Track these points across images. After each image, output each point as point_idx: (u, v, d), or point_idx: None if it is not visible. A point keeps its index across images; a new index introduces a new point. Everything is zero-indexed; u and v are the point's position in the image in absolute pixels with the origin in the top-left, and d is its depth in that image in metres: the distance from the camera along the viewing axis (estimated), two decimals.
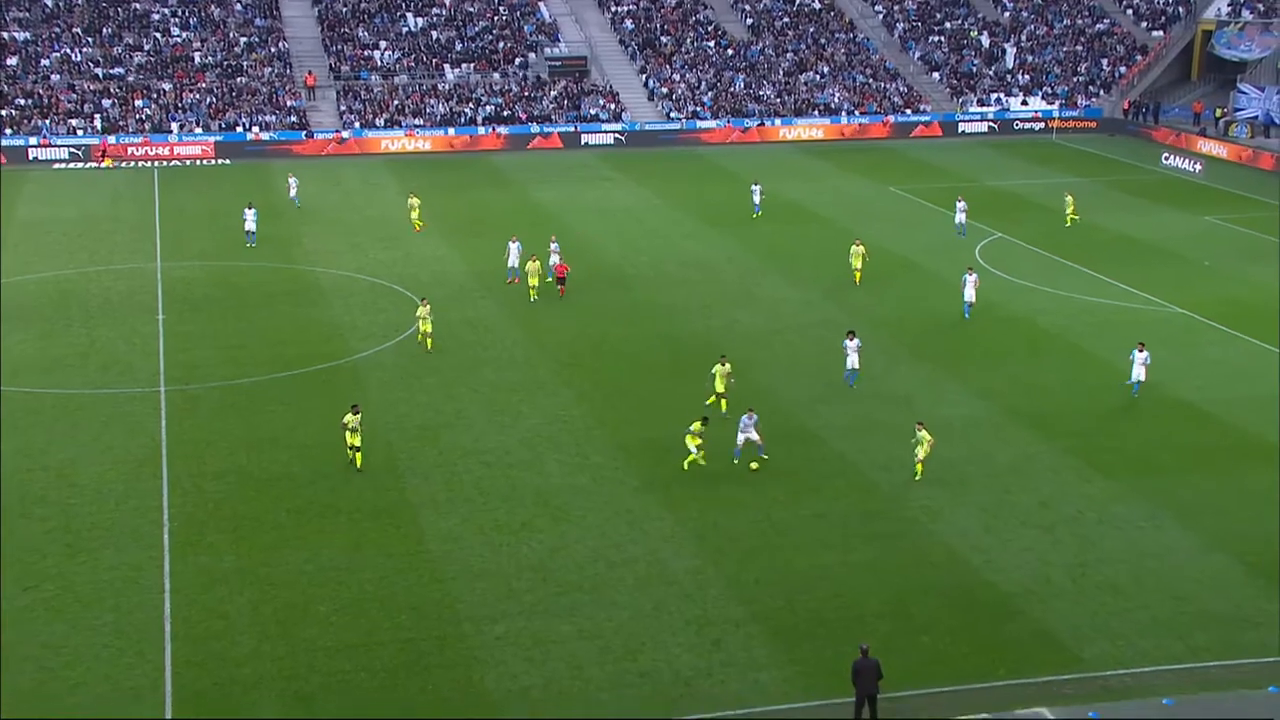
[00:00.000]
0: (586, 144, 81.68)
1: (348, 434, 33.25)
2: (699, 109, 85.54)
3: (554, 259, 49.98)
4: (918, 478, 32.65)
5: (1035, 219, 61.94)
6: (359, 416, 33.51)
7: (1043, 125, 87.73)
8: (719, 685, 24.56)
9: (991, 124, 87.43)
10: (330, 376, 40.44)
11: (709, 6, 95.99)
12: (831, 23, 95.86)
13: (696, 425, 33.40)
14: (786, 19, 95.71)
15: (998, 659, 25.25)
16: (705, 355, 42.40)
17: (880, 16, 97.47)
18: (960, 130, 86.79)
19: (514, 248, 50.33)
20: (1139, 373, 38.01)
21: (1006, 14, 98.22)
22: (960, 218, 57.97)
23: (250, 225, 56.12)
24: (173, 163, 75.86)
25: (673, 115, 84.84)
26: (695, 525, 30.62)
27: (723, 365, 37.51)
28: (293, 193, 63.88)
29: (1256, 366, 41.32)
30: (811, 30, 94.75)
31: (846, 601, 27.32)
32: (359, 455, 33.29)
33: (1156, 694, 24.20)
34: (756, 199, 62.04)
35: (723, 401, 37.20)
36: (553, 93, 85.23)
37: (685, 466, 33.20)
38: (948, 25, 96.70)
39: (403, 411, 37.50)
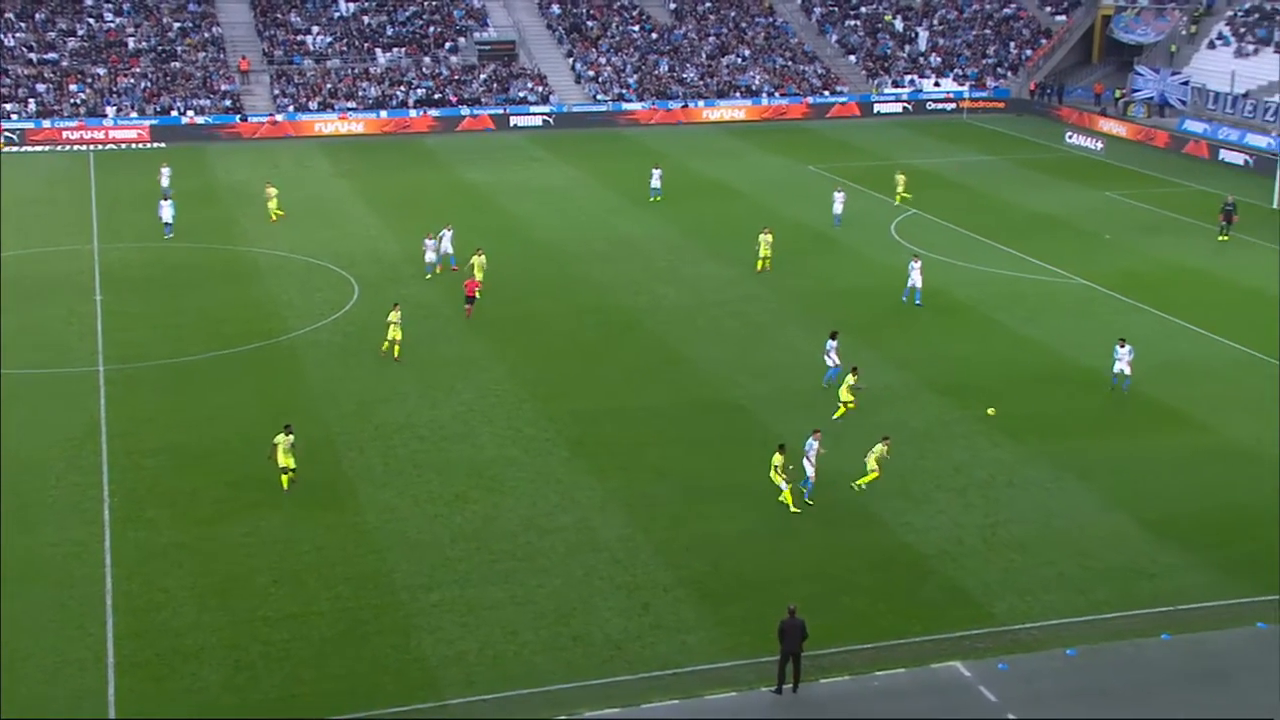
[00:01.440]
0: (516, 126, 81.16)
1: (280, 454, 30.19)
2: (625, 91, 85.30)
3: (448, 245, 48.20)
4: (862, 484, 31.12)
5: (948, 195, 62.48)
6: (291, 437, 30.46)
7: (954, 105, 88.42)
8: (648, 647, 24.66)
9: (905, 104, 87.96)
10: (268, 354, 39.96)
11: None
12: (752, 7, 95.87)
13: (777, 458, 30.00)
14: (708, 4, 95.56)
15: (914, 617, 25.58)
16: (632, 330, 42.48)
17: (799, 2, 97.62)
18: (876, 111, 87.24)
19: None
20: (1122, 367, 36.96)
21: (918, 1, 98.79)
22: (838, 208, 55.82)
23: (166, 216, 53.01)
24: (108, 146, 74.38)
25: (599, 98, 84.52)
26: (624, 494, 30.67)
27: (853, 374, 35.35)
28: (165, 182, 59.87)
29: (1153, 335, 42.05)
30: (733, 15, 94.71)
31: (770, 565, 27.51)
32: (285, 478, 30.29)
33: (1061, 645, 24.65)
34: (656, 183, 61.02)
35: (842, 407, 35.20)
36: (482, 76, 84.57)
37: (806, 501, 30.02)
38: (863, 10, 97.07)
39: (339, 388, 37.16)
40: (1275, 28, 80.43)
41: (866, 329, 42.52)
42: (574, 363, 39.41)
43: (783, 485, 29.63)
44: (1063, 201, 61.40)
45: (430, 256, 48.22)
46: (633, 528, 29.05)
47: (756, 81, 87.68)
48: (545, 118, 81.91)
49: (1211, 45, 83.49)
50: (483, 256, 45.77)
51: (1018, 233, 54.81)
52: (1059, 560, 27.65)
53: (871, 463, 30.83)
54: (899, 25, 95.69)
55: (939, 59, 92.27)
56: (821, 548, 28.17)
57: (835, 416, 34.92)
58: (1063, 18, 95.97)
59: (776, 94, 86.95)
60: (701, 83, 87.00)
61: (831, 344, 37.67)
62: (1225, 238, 52.96)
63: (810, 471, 30.01)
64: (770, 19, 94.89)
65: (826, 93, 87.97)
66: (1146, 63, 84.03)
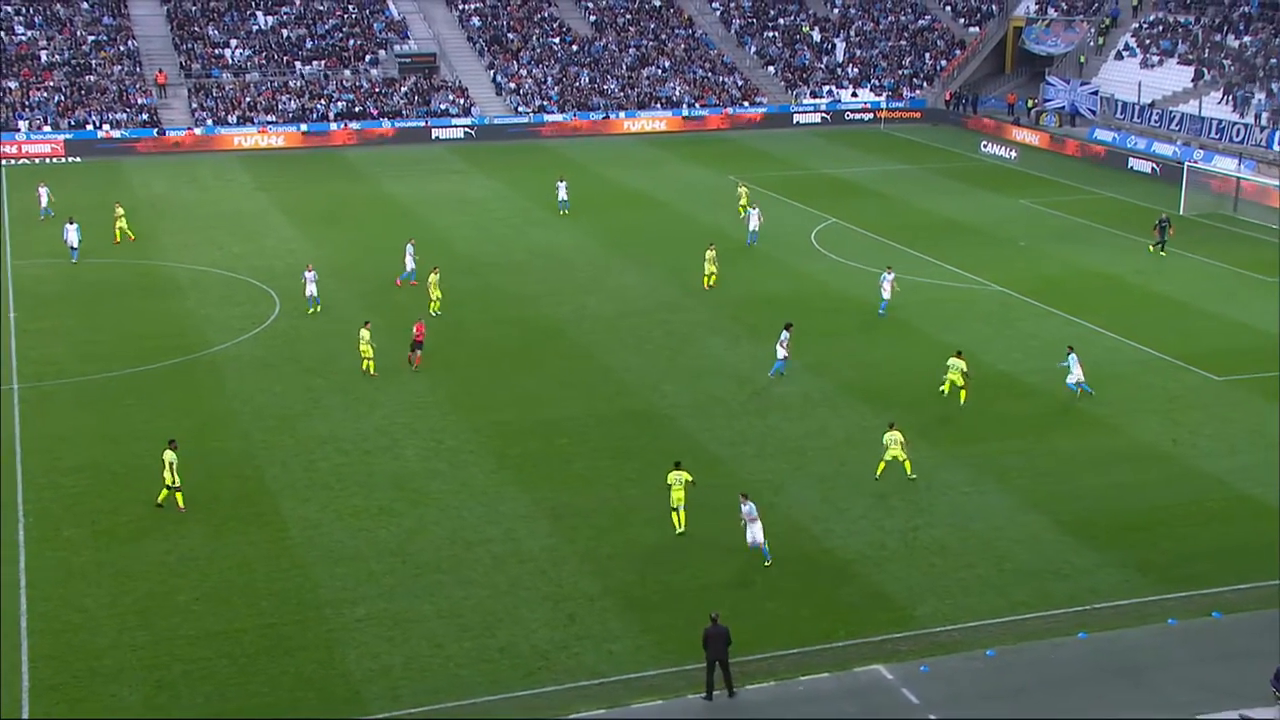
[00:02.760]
0: (437, 138, 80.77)
1: (166, 472, 29.52)
2: (546, 103, 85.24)
3: (409, 263, 47.92)
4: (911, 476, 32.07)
5: (866, 204, 63.18)
6: (176, 454, 29.79)
7: (872, 116, 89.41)
8: (575, 657, 24.62)
9: (824, 115, 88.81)
10: (188, 370, 39.39)
11: (554, 4, 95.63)
12: (671, 19, 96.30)
13: (676, 477, 29.24)
14: (629, 16, 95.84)
15: (838, 621, 25.78)
16: (556, 340, 42.44)
17: (718, 13, 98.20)
18: (795, 121, 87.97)
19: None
20: (1078, 373, 37.30)
21: (836, 10, 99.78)
22: (754, 224, 55.44)
23: (72, 240, 50.70)
24: (21, 161, 72.90)
25: (520, 109, 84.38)
26: (549, 504, 30.61)
27: (959, 359, 36.47)
28: (44, 203, 57.98)
29: (1066, 339, 42.73)
30: (653, 26, 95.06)
31: (695, 573, 27.60)
32: (179, 496, 29.67)
33: (981, 646, 24.97)
34: (563, 195, 60.70)
35: (961, 393, 35.77)
36: (403, 89, 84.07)
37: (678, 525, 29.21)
38: (781, 21, 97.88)
39: (260, 402, 36.73)
40: (1178, 39, 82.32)
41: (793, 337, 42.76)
42: (498, 374, 39.28)
43: (681, 508, 28.76)
44: (978, 209, 62.32)
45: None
46: (558, 538, 29.00)
47: (677, 92, 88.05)
48: (467, 130, 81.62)
49: (1119, 56, 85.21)
50: (438, 274, 44.97)
51: (935, 240, 55.53)
52: (978, 563, 28.02)
53: (897, 451, 31.33)
54: (817, 36, 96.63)
55: (856, 70, 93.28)
56: (746, 555, 28.28)
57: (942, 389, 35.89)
58: (976, 29, 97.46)
59: (696, 105, 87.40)
60: (622, 94, 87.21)
61: (784, 335, 38.29)
62: (1163, 253, 53.53)
63: (757, 536, 27.64)
64: (690, 30, 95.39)
65: (746, 103, 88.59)
66: (1057, 73, 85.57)
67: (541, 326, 43.72)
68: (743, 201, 58.83)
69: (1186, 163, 64.54)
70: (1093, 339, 42.69)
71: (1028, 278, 49.38)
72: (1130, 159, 73.26)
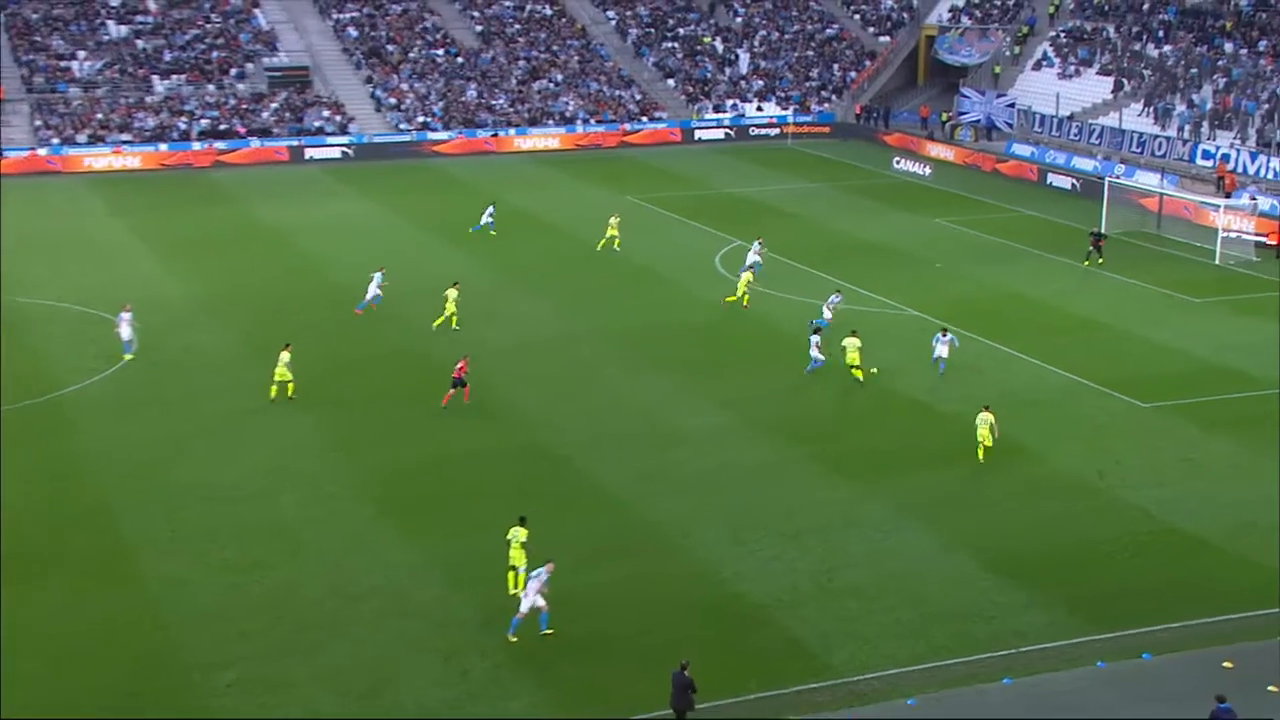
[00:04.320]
0: (312, 158, 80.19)
1: None
2: (430, 120, 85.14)
3: (375, 289, 48.01)
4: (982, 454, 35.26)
5: (773, 225, 63.90)
6: None
7: (778, 131, 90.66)
8: (468, 717, 24.46)
9: (728, 130, 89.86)
10: (35, 414, 38.52)
11: (436, 13, 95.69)
12: (564, 30, 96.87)
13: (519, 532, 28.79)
14: (518, 26, 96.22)
15: (750, 671, 25.92)
16: (446, 374, 42.25)
17: (613, 23, 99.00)
18: (697, 137, 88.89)
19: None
20: (941, 350, 41.63)
21: (739, 19, 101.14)
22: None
23: None
24: None
25: (402, 127, 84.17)
26: (439, 552, 30.45)
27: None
28: None
29: (986, 364, 43.67)
30: (544, 37, 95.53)
31: (596, 622, 27.60)
32: None
33: (901, 694, 25.28)
34: (487, 218, 61.04)
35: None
36: (273, 105, 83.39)
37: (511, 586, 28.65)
38: (681, 31, 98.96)
39: (117, 447, 36.07)
40: (1097, 49, 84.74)
41: (690, 366, 43.16)
42: (384, 411, 39.04)
43: (520, 569, 28.36)
44: (892, 229, 63.41)
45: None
46: (449, 588, 28.84)
47: (570, 108, 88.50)
48: (344, 149, 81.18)
49: (1036, 66, 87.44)
50: (457, 290, 46.66)
51: (846, 263, 56.35)
52: (897, 605, 28.41)
53: (984, 433, 34.93)
54: (719, 47, 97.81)
55: (761, 82, 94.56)
56: (650, 602, 28.37)
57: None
58: (886, 39, 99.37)
59: (592, 120, 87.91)
60: (512, 110, 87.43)
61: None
62: (1100, 262, 55.51)
63: (536, 604, 26.70)
64: (584, 42, 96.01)
65: (644, 119, 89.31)
66: (972, 85, 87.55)
67: (431, 359, 43.53)
68: (611, 232, 58.09)
69: (1107, 178, 66.35)
70: (1014, 364, 43.61)
71: (944, 301, 50.31)
72: (1049, 174, 75.13)
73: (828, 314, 46.08)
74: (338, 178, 75.36)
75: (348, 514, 32.38)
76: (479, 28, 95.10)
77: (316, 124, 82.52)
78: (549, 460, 35.81)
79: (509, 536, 28.62)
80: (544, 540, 29.39)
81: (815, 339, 42.18)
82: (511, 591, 28.42)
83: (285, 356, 39.51)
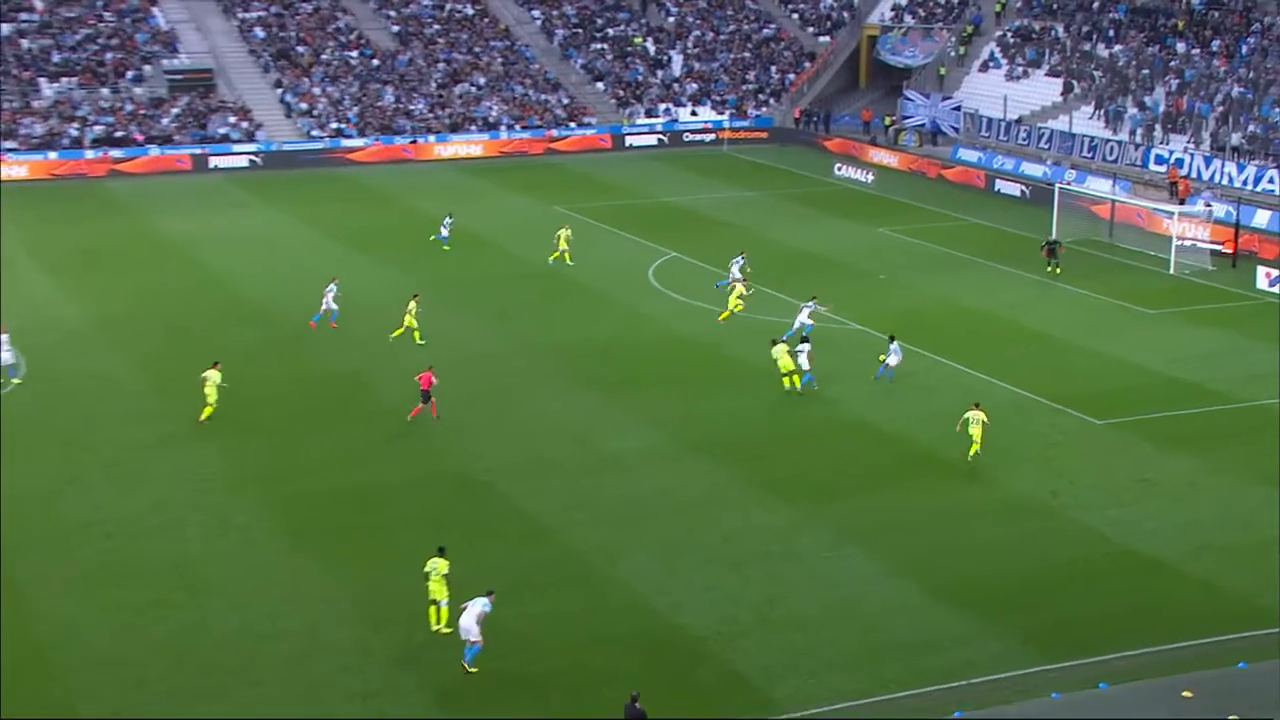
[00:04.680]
0: (216, 167, 79.53)
1: None
2: (344, 126, 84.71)
3: (329, 301, 48.22)
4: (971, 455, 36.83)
5: (709, 235, 64.19)
6: None
7: (713, 136, 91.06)
8: None
9: (660, 136, 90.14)
10: None
11: (350, 12, 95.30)
12: (486, 30, 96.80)
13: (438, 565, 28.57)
14: (437, 26, 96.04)
15: (688, 708, 25.89)
16: (363, 397, 42.02)
17: (538, 23, 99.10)
18: (628, 144, 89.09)
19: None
20: (892, 360, 42.92)
21: (671, 19, 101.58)
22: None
23: None
24: None
25: (315, 133, 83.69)
26: (356, 587, 30.19)
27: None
28: None
29: (931, 381, 44.03)
30: (465, 38, 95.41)
31: (525, 658, 27.47)
32: None
33: None
34: (445, 231, 60.98)
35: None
36: (174, 110, 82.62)
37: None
38: (610, 32, 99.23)
39: (3, 479, 35.43)
40: (1045, 49, 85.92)
41: (620, 384, 43.22)
42: (297, 438, 38.73)
43: (442, 603, 28.15)
44: (833, 239, 63.85)
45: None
46: (366, 627, 28.60)
47: (494, 113, 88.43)
48: (252, 157, 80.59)
49: (983, 68, 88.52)
50: (417, 303, 47.19)
51: (786, 274, 56.65)
52: (842, 636, 28.51)
53: (977, 432, 36.45)
54: (651, 48, 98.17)
55: (695, 85, 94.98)
56: (581, 636, 28.30)
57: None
58: (827, 39, 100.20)
59: (517, 126, 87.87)
60: (432, 115, 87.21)
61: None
62: (1059, 270, 56.31)
63: (470, 637, 26.75)
64: (508, 43, 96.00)
65: (573, 124, 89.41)
66: (916, 87, 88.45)
67: (347, 382, 43.24)
68: (563, 246, 58.25)
69: (1057, 184, 67.18)
70: (962, 380, 43.99)
71: (889, 314, 50.68)
72: (997, 181, 76.00)
73: (807, 320, 46.36)
74: (245, 188, 74.77)
75: (258, 549, 32.04)
76: (396, 28, 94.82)
77: (222, 131, 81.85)
78: (472, 487, 35.66)
79: (427, 569, 28.42)
80: (468, 572, 29.26)
81: (805, 348, 42.40)
82: (434, 628, 28.21)
83: (214, 376, 39.44)
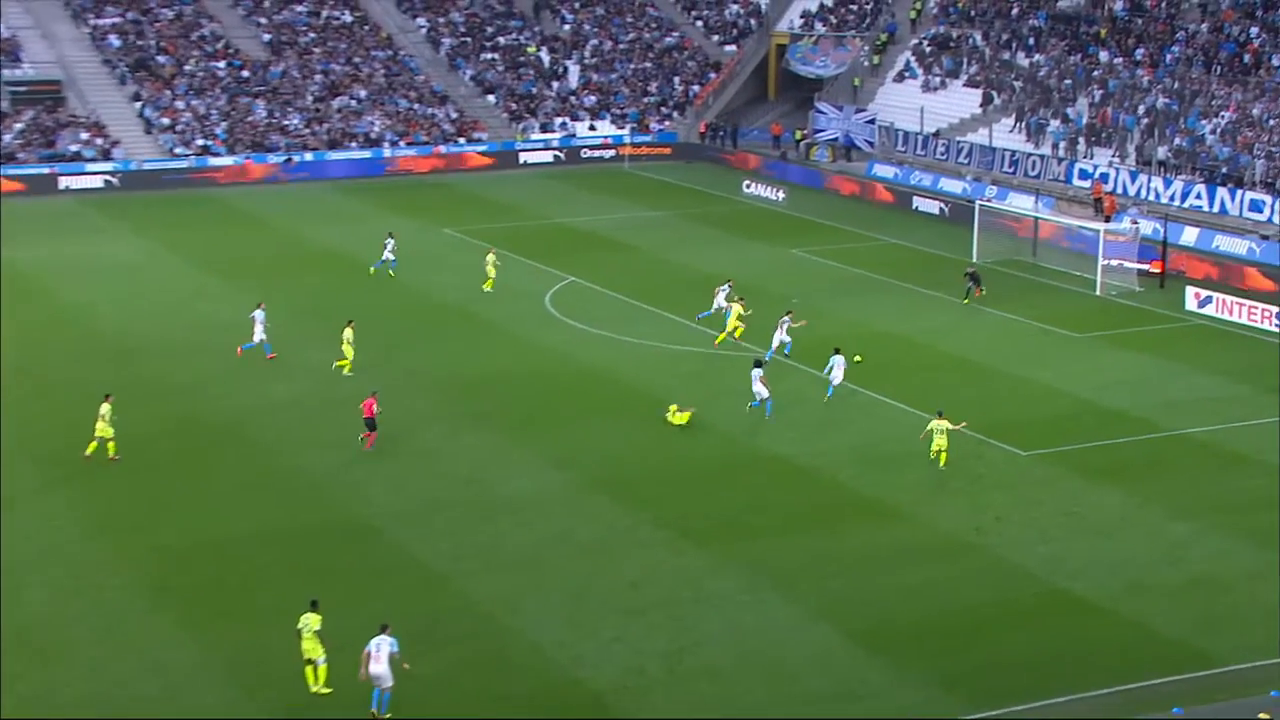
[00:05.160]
0: (68, 188, 78.37)
1: None
2: (211, 143, 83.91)
3: (260, 333, 48.31)
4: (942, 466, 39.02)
5: (609, 259, 64.35)
6: None
7: (613, 153, 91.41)
8: None
9: (557, 152, 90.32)
10: None
11: (216, 19, 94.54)
12: (366, 39, 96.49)
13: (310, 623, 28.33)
14: (313, 34, 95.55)
15: None
16: (232, 439, 41.55)
17: (424, 31, 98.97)
18: (522, 161, 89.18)
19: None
20: (837, 375, 44.36)
21: (567, 27, 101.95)
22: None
23: None
24: None
25: (178, 151, 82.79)
26: (226, 650, 29.77)
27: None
28: None
29: (847, 412, 44.42)
30: (344, 48, 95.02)
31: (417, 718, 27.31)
32: None
33: None
34: (389, 254, 60.61)
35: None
36: (17, 125, 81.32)
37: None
38: (502, 41, 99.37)
39: None
40: (964, 58, 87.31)
41: (516, 421, 43.16)
42: (157, 486, 38.17)
43: (319, 661, 27.90)
44: (742, 261, 64.19)
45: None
46: (236, 692, 28.22)
47: (377, 128, 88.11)
48: (108, 177, 79.59)
49: (898, 78, 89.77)
50: (353, 329, 47.52)
51: (693, 300, 56.86)
52: (756, 687, 28.59)
53: (941, 442, 38.81)
54: (545, 59, 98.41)
55: (594, 98, 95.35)
56: (479, 694, 28.14)
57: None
58: (733, 48, 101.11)
59: (401, 143, 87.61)
60: (308, 131, 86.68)
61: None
62: (979, 294, 56.81)
63: (378, 676, 26.93)
64: (390, 53, 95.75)
65: (462, 140, 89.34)
66: (828, 99, 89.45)
67: (213, 423, 42.72)
68: (491, 273, 58.34)
69: (978, 201, 68.24)
70: (879, 411, 44.43)
71: (802, 340, 50.99)
72: (915, 198, 77.01)
73: (785, 336, 48.08)
74: (101, 211, 73.77)
75: (114, 608, 31.49)
76: (267, 36, 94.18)
77: (73, 148, 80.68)
78: (356, 534, 35.34)
79: (299, 626, 28.09)
80: (357, 627, 28.98)
81: (758, 373, 43.37)
82: (313, 689, 27.89)
83: (105, 409, 39.21)
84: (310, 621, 28.11)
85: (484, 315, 54.76)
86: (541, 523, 36.09)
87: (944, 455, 39.25)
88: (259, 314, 48.92)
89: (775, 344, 48.25)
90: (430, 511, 36.74)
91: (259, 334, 48.55)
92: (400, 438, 41.88)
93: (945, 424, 39.19)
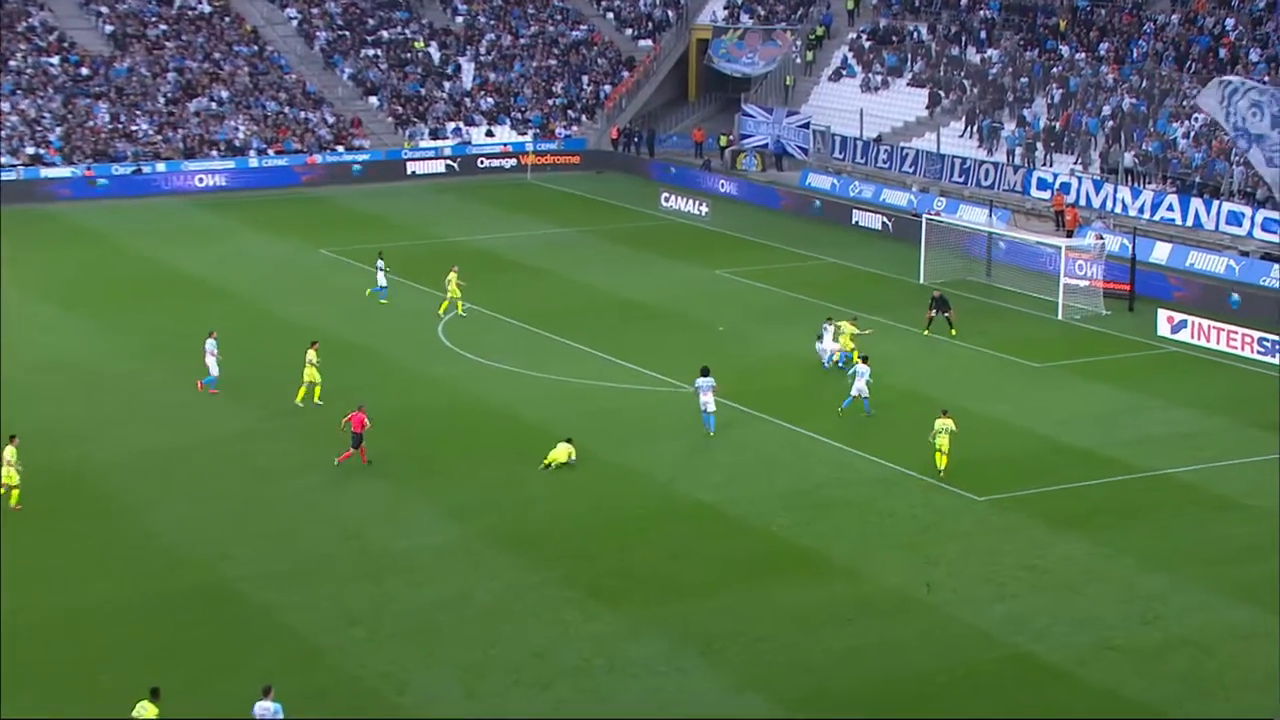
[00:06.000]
0: None
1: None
2: (43, 151, 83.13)
3: (211, 362, 48.52)
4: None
5: (511, 282, 64.36)
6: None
7: (514, 162, 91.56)
8: None
9: (449, 162, 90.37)
10: None
11: (47, 8, 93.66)
12: (228, 32, 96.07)
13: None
14: (164, 26, 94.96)
15: None
16: (72, 495, 41.14)
17: (295, 23, 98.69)
18: (410, 171, 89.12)
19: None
20: (861, 387, 46.53)
21: (460, 19, 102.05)
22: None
23: None
24: None
25: (6, 160, 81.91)
26: None
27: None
28: None
29: (780, 453, 44.71)
30: (201, 41, 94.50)
31: None
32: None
33: None
34: (381, 281, 60.87)
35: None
36: None
37: None
38: (385, 35, 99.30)
39: None
40: (907, 54, 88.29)
41: (409, 469, 43.12)
42: None
43: None
44: (661, 284, 64.52)
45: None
46: None
47: (241, 134, 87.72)
48: None
49: (835, 76, 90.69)
50: (314, 352, 48.13)
51: (606, 329, 57.07)
52: None
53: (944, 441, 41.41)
54: (435, 55, 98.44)
55: (491, 100, 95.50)
56: None
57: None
58: (648, 43, 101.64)
59: (270, 151, 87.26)
60: (160, 137, 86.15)
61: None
62: (932, 330, 56.77)
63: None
64: (256, 48, 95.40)
65: (340, 148, 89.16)
66: (756, 101, 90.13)
67: (53, 475, 42.18)
68: (454, 291, 58.87)
69: (925, 215, 68.92)
70: (818, 452, 44.72)
71: (730, 373, 51.22)
72: (854, 211, 77.69)
73: (832, 345, 51.55)
74: None
75: None
76: (109, 28, 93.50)
77: None
78: (220, 600, 35.03)
79: (134, 715, 27.81)
80: (213, 709, 28.77)
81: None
82: None
83: (9, 453, 39.37)
84: (145, 711, 27.75)
85: (368, 346, 54.60)
86: (435, 583, 35.98)
87: (944, 459, 41.79)
88: (210, 344, 48.87)
89: (826, 357, 51.95)
90: (307, 572, 36.52)
91: (212, 366, 48.73)
92: (269, 488, 41.64)
93: (950, 423, 41.55)
